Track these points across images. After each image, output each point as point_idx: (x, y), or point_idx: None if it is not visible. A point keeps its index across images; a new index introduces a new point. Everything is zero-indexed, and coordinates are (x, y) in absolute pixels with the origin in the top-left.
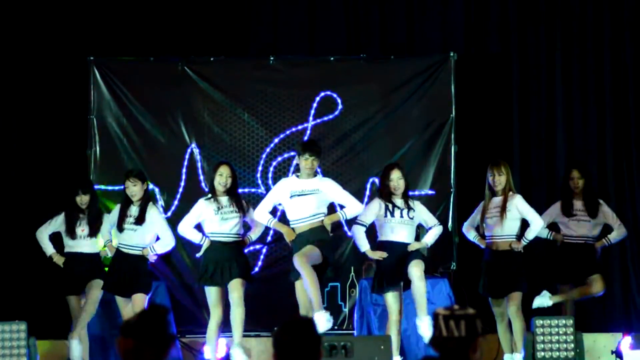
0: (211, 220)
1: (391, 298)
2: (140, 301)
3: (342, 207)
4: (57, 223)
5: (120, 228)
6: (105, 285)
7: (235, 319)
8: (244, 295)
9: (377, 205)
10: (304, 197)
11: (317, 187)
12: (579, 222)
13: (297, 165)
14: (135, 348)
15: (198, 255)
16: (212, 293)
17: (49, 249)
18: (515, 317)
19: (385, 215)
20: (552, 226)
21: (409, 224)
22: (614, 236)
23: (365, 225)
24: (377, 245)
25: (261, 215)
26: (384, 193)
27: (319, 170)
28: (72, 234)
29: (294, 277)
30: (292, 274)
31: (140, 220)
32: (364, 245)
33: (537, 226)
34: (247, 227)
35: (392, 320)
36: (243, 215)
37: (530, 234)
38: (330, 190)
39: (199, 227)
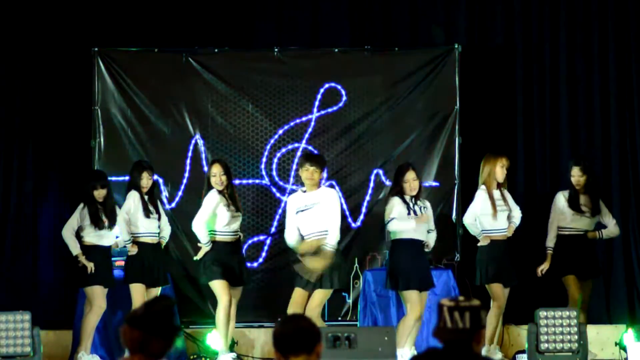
0: (223, 216)
1: (416, 295)
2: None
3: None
4: (79, 217)
5: (147, 216)
6: (144, 279)
7: (232, 330)
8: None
9: (400, 203)
10: (307, 212)
11: (319, 200)
12: (582, 217)
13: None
14: (141, 339)
15: (196, 258)
16: (220, 284)
17: (74, 249)
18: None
19: (409, 214)
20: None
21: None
22: (608, 233)
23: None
24: (394, 243)
25: (291, 237)
26: (398, 192)
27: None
28: (97, 225)
29: (299, 284)
30: (297, 280)
31: (157, 210)
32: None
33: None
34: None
35: (416, 317)
36: (242, 213)
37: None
38: (326, 203)
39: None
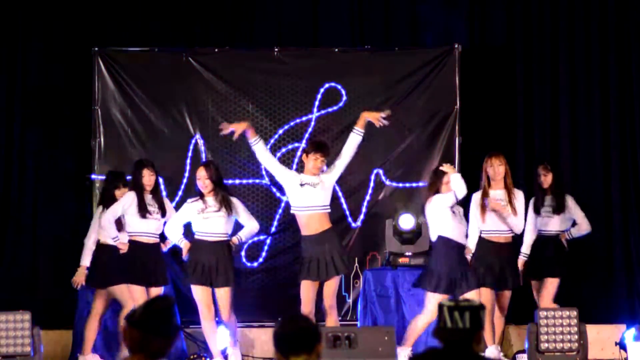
0: (195, 221)
1: (436, 301)
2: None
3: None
4: (99, 222)
5: (143, 216)
6: (137, 279)
7: (231, 329)
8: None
9: (449, 198)
10: (313, 188)
11: (322, 180)
12: (544, 218)
13: (299, 161)
14: (141, 338)
15: (184, 258)
16: (194, 290)
17: (84, 260)
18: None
19: (454, 213)
20: None
21: (463, 224)
22: (575, 231)
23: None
24: (436, 241)
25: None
26: (437, 192)
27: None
28: (119, 225)
29: (306, 276)
30: (302, 273)
31: (162, 209)
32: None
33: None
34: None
35: (429, 321)
36: (229, 214)
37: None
38: (334, 166)
39: (186, 228)
